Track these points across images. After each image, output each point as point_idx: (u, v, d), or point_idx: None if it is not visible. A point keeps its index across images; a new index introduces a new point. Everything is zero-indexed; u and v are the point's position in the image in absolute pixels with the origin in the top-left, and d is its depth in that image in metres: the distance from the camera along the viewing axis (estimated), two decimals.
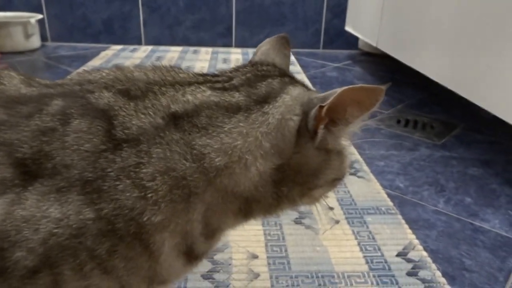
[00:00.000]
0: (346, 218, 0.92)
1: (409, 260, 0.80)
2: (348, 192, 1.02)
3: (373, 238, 0.85)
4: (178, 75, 0.43)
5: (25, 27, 2.22)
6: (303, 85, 0.47)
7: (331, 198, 0.99)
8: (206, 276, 0.74)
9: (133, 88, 0.40)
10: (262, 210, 0.45)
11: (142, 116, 0.38)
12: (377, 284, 0.74)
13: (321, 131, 0.42)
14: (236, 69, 0.47)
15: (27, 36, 2.24)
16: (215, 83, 0.43)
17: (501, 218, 0.95)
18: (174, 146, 0.38)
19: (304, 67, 2.15)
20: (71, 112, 0.37)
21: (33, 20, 2.25)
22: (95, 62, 2.07)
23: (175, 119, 0.39)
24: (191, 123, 0.39)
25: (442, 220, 0.94)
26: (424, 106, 1.63)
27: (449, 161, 1.20)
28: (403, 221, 0.91)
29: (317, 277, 0.75)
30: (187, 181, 0.38)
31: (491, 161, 1.21)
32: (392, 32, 1.78)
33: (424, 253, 0.82)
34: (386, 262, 0.79)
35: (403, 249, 0.83)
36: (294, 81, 0.46)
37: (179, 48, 2.43)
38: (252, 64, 0.48)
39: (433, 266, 0.79)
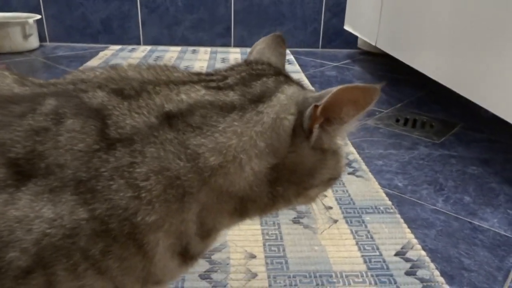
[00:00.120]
0: (345, 217, 0.92)
1: (407, 260, 0.79)
2: (347, 191, 1.02)
3: (372, 238, 0.85)
4: (172, 74, 0.43)
5: (23, 28, 2.22)
6: (298, 84, 0.47)
7: (330, 198, 0.98)
8: (204, 276, 0.74)
9: (127, 88, 0.40)
10: (258, 210, 0.44)
11: (136, 115, 0.38)
12: (375, 283, 0.73)
13: (316, 130, 0.41)
14: (231, 68, 0.47)
15: (25, 36, 2.24)
16: (210, 82, 0.43)
17: (500, 217, 0.95)
18: (168, 146, 0.37)
19: (303, 66, 2.15)
20: (64, 111, 0.37)
21: (31, 21, 2.25)
22: (93, 62, 2.07)
23: (169, 119, 0.38)
24: (185, 123, 0.39)
25: (440, 219, 0.94)
26: (423, 105, 1.63)
27: (448, 160, 1.20)
28: (401, 220, 0.91)
29: (315, 276, 0.75)
30: (181, 180, 0.37)
31: (490, 160, 1.21)
32: (391, 31, 1.78)
33: (423, 253, 0.82)
34: (384, 261, 0.79)
35: (402, 248, 0.82)
36: (289, 80, 0.46)
37: (178, 48, 2.43)
38: (247, 63, 0.48)
39: (432, 265, 0.78)
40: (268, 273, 0.75)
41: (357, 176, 1.08)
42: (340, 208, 0.95)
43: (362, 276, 0.75)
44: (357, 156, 1.19)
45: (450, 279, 0.76)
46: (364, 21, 2.06)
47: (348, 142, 1.27)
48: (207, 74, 0.46)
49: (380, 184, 1.06)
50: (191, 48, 2.44)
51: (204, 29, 2.48)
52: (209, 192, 0.39)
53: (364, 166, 1.14)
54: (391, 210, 0.95)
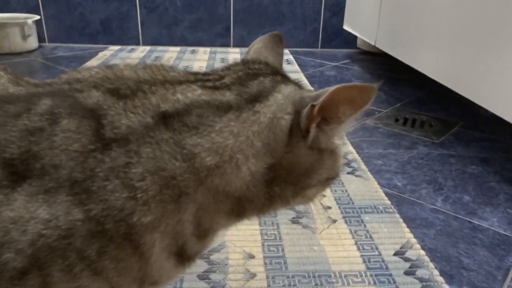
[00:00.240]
0: (344, 217, 0.91)
1: (406, 259, 0.79)
2: (346, 191, 1.01)
3: (371, 237, 0.85)
4: (168, 73, 0.43)
5: (22, 28, 2.22)
6: (295, 83, 0.46)
7: (328, 197, 0.98)
8: (202, 277, 0.73)
9: (123, 87, 0.40)
10: (255, 210, 0.44)
11: (132, 115, 0.38)
12: (374, 283, 0.73)
13: (313, 130, 0.41)
14: (228, 68, 0.46)
15: (24, 37, 2.24)
16: (206, 82, 0.43)
17: (499, 216, 0.95)
18: (164, 146, 0.37)
19: (303, 66, 2.14)
20: (60, 111, 0.37)
21: (30, 21, 2.25)
22: (93, 63, 2.07)
23: (165, 118, 0.38)
24: (181, 123, 0.38)
25: (440, 219, 0.93)
26: (422, 105, 1.62)
27: (447, 159, 1.20)
28: (400, 220, 0.91)
29: (314, 276, 0.74)
30: (177, 181, 0.37)
31: (490, 159, 1.21)
32: (390, 30, 1.78)
33: (422, 252, 0.81)
34: (383, 261, 0.78)
35: (401, 248, 0.82)
36: (286, 79, 0.46)
37: (177, 48, 2.43)
38: (244, 62, 0.48)
39: (431, 265, 0.78)
40: (267, 273, 0.75)
41: (356, 176, 1.08)
42: (339, 207, 0.95)
43: (361, 276, 0.75)
44: (356, 155, 1.19)
45: (449, 278, 0.76)
46: (363, 20, 2.06)
47: (347, 141, 1.27)
48: (204, 74, 0.45)
49: (379, 183, 1.06)
50: (190, 48, 2.44)
51: (203, 29, 2.48)
52: (206, 192, 0.39)
53: (363, 166, 1.13)
54: (390, 210, 0.94)
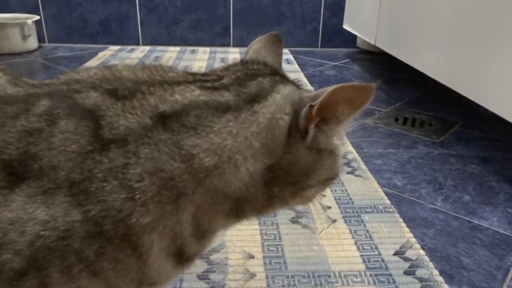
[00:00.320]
0: (343, 217, 0.91)
1: (406, 259, 0.79)
2: (346, 190, 1.01)
3: (370, 237, 0.85)
4: (167, 74, 0.43)
5: (22, 29, 2.22)
6: (294, 83, 0.46)
7: (328, 197, 0.98)
8: (202, 277, 0.73)
9: (121, 88, 0.40)
10: (254, 210, 0.44)
11: (130, 116, 0.38)
12: (374, 283, 0.73)
13: (312, 130, 0.41)
14: (227, 68, 0.46)
15: (24, 37, 2.24)
16: (205, 83, 0.43)
17: (499, 215, 0.95)
18: (162, 147, 0.37)
19: (302, 66, 2.14)
20: (58, 112, 0.37)
21: (30, 21, 2.25)
22: (92, 63, 2.07)
23: (164, 119, 0.38)
24: (179, 123, 0.38)
25: (440, 218, 0.93)
26: (422, 104, 1.62)
27: (447, 159, 1.20)
28: (400, 220, 0.91)
29: (314, 276, 0.74)
30: (175, 181, 0.37)
31: (490, 158, 1.21)
32: (390, 30, 1.78)
33: (422, 252, 0.81)
34: (383, 261, 0.78)
35: (401, 247, 0.82)
36: (285, 79, 0.46)
37: (177, 48, 2.43)
38: (243, 63, 0.48)
39: (431, 264, 0.78)
40: (267, 273, 0.75)
41: (356, 176, 1.08)
42: (339, 207, 0.95)
43: (360, 275, 0.75)
44: (356, 155, 1.19)
45: (449, 278, 0.76)
46: (363, 20, 2.06)
47: (347, 141, 1.27)
48: (203, 74, 0.45)
49: (379, 183, 1.06)
50: (190, 48, 2.44)
51: (203, 29, 2.48)
52: (204, 193, 0.39)
53: (363, 166, 1.13)
54: (390, 210, 0.94)
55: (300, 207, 0.92)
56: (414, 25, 1.55)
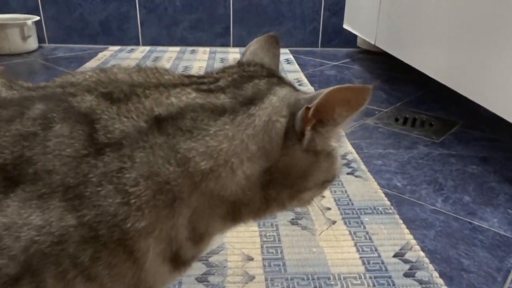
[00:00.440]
0: (343, 218, 0.91)
1: (406, 261, 0.79)
2: (345, 192, 1.01)
3: (370, 239, 0.84)
4: (163, 76, 0.43)
5: (22, 29, 2.22)
6: (291, 85, 0.46)
7: (328, 198, 0.98)
8: (201, 279, 0.73)
9: (116, 91, 0.39)
10: (251, 214, 0.44)
11: (125, 119, 0.37)
12: (374, 285, 0.73)
13: (308, 132, 0.41)
14: (223, 70, 0.46)
15: (24, 38, 2.24)
16: (201, 85, 0.42)
17: (500, 216, 0.94)
18: (158, 150, 0.37)
19: (303, 65, 2.14)
20: (53, 116, 0.37)
21: (30, 22, 2.25)
22: (92, 63, 2.06)
23: (159, 122, 0.38)
24: (175, 126, 0.38)
25: (440, 220, 0.93)
26: (422, 104, 1.62)
27: (447, 159, 1.19)
28: (400, 221, 0.90)
29: (313, 279, 0.74)
30: (171, 185, 0.37)
31: (490, 158, 1.20)
32: (390, 29, 1.77)
33: (422, 254, 0.81)
34: (383, 263, 0.78)
35: (400, 249, 0.82)
36: (281, 81, 0.45)
37: (177, 48, 2.42)
38: (239, 64, 0.47)
39: (431, 266, 0.78)
40: (266, 276, 0.74)
41: (356, 176, 1.08)
42: (339, 208, 0.94)
43: (360, 278, 0.74)
44: (356, 155, 1.19)
45: (449, 280, 0.76)
46: (363, 19, 2.05)
47: (347, 141, 1.26)
48: (199, 76, 0.45)
49: (379, 184, 1.05)
50: (190, 48, 2.44)
51: (203, 29, 2.47)
52: (200, 196, 0.39)
53: (363, 166, 1.13)
54: (390, 211, 0.94)
55: (299, 209, 0.92)
56: (414, 25, 1.54)
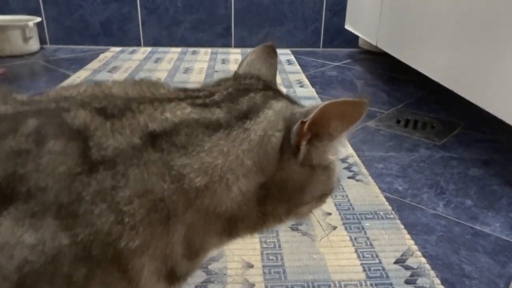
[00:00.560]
0: (344, 223, 0.90)
1: (407, 267, 0.78)
2: (346, 196, 1.00)
3: (371, 245, 0.84)
4: (158, 91, 0.42)
5: (23, 31, 2.22)
6: (287, 98, 0.45)
7: (329, 203, 0.97)
8: (201, 287, 0.73)
9: (110, 106, 0.39)
10: (248, 229, 0.43)
11: (119, 136, 0.37)
12: None
13: (303, 147, 0.40)
14: (218, 83, 0.45)
15: (26, 39, 2.24)
16: (196, 99, 0.42)
17: (502, 221, 0.94)
18: (152, 167, 0.36)
19: (304, 66, 2.13)
20: (46, 132, 0.36)
21: (31, 23, 2.25)
22: (94, 65, 2.06)
23: (153, 138, 0.37)
24: (169, 142, 0.38)
25: (441, 224, 0.92)
26: (424, 105, 1.61)
27: (449, 162, 1.18)
28: (401, 226, 0.90)
29: (313, 286, 0.74)
30: (165, 203, 0.36)
31: (492, 161, 1.20)
32: (391, 30, 1.76)
33: (423, 260, 0.80)
34: (383, 269, 0.77)
35: (402, 255, 0.81)
36: (278, 94, 0.45)
37: (178, 50, 2.42)
38: (235, 77, 0.47)
39: (432, 273, 0.77)
40: (266, 283, 0.74)
41: (357, 180, 1.07)
42: (340, 214, 0.94)
43: (361, 285, 0.74)
44: (357, 159, 1.18)
45: (450, 287, 0.75)
46: (364, 20, 2.05)
47: (348, 144, 1.26)
48: (194, 90, 0.44)
49: (380, 188, 1.05)
50: (191, 49, 2.43)
51: (204, 30, 2.47)
52: (195, 213, 0.38)
53: (364, 170, 1.12)
54: (391, 216, 0.93)
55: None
56: (416, 26, 1.53)
